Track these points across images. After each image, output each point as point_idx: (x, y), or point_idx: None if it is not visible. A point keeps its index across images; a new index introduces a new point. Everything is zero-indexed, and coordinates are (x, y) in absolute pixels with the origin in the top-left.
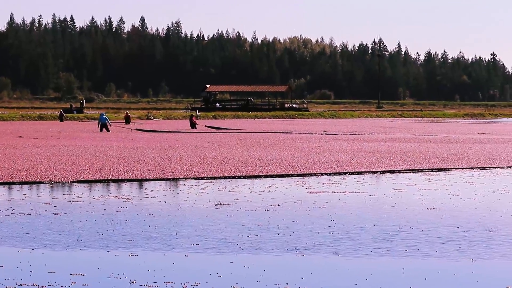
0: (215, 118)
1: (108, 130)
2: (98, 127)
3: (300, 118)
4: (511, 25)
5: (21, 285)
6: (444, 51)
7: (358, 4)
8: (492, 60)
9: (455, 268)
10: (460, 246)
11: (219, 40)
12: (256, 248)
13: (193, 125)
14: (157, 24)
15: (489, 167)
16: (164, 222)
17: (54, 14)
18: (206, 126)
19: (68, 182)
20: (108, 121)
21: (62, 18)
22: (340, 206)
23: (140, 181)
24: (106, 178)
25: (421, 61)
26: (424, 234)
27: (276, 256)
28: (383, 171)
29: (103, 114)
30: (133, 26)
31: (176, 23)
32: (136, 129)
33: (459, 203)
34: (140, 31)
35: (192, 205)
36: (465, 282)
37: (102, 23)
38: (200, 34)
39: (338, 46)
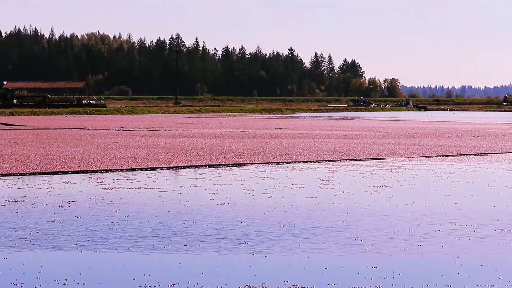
0: (12, 115)
1: None
2: None
3: (98, 114)
4: (308, 21)
5: None
6: (242, 46)
7: (154, 0)
8: (290, 55)
9: (237, 262)
10: (248, 241)
11: (17, 36)
12: (37, 244)
13: None
14: None
15: (285, 162)
16: None
17: None
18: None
19: None
20: None
21: None
22: (130, 202)
23: None
24: None
25: (219, 57)
26: (210, 229)
27: (57, 252)
28: (178, 167)
29: None
30: None
31: None
32: None
33: (253, 199)
34: None
35: None
36: (241, 276)
37: None
38: None
39: (135, 42)
